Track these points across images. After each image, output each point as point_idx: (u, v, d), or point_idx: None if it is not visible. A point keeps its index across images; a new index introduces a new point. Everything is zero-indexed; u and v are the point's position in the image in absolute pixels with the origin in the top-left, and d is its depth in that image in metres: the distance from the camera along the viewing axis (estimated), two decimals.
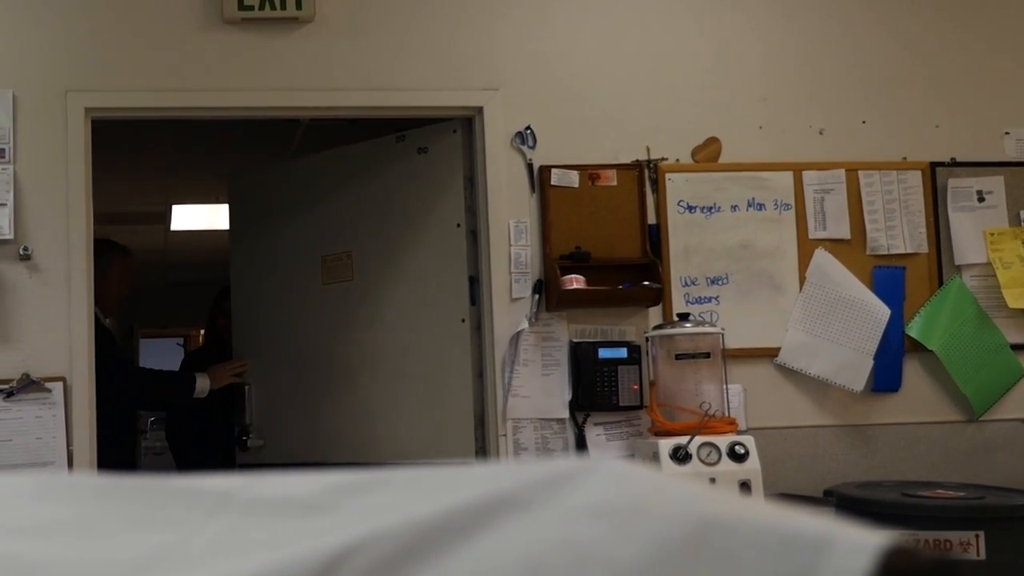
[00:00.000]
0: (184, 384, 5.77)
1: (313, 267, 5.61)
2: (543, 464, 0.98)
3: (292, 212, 5.74)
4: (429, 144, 5.15)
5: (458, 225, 4.99)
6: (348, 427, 5.39)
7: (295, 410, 5.64)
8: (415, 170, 5.20)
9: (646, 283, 4.77)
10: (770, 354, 4.92)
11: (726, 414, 4.51)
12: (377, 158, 5.38)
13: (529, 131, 4.86)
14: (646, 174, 4.91)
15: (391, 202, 5.32)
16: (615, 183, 4.87)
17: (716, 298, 4.91)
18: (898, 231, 5.01)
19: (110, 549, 0.99)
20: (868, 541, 0.82)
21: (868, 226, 5.00)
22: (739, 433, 4.45)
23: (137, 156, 7.38)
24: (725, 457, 4.27)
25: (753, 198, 4.96)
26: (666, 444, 4.31)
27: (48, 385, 4.49)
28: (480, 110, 4.87)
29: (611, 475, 0.93)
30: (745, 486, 4.23)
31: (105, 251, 5.42)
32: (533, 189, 4.84)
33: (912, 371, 5.00)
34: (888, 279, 4.98)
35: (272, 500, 1.01)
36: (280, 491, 1.03)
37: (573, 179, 4.85)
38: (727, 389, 4.60)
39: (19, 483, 1.14)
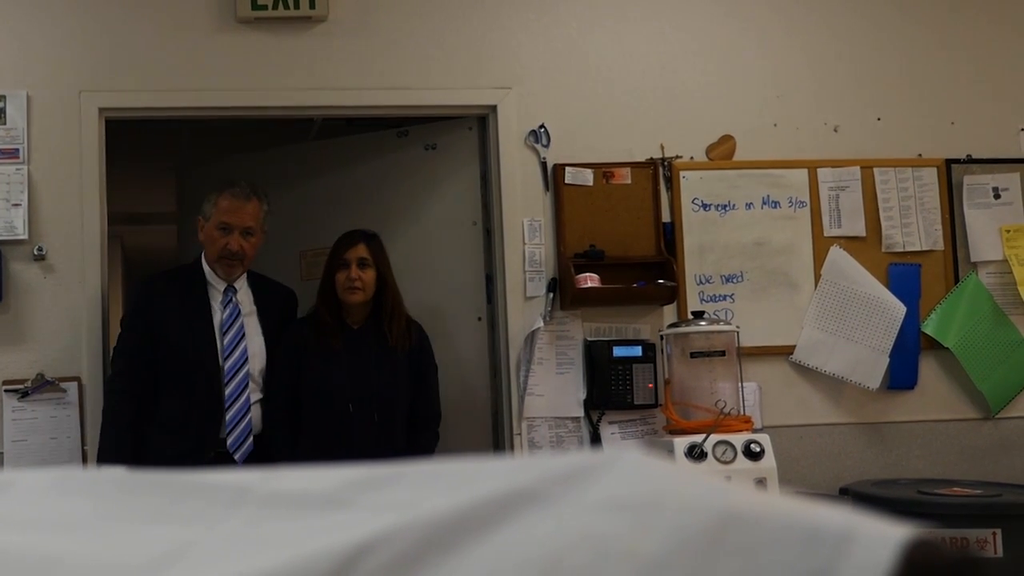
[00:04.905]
0: None
1: (292, 262, 5.33)
2: (562, 458, 0.97)
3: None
4: (438, 140, 5.11)
5: (475, 223, 4.98)
6: None
7: None
8: (427, 166, 5.15)
9: (661, 281, 4.76)
10: (785, 352, 4.91)
11: (741, 412, 4.50)
12: (381, 153, 5.29)
13: (543, 129, 4.85)
14: (660, 172, 4.90)
15: (396, 196, 5.23)
16: (629, 181, 4.87)
17: (731, 296, 4.90)
18: (914, 228, 5.00)
19: (129, 543, 0.99)
20: (890, 535, 0.81)
21: (883, 223, 4.99)
22: (754, 431, 4.44)
23: (150, 155, 7.39)
24: (741, 455, 4.26)
25: (768, 196, 4.95)
26: (681, 442, 4.30)
27: (63, 385, 4.50)
28: (494, 108, 4.87)
29: (630, 468, 0.93)
30: (761, 484, 4.21)
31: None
32: (547, 187, 4.84)
33: (928, 368, 4.99)
34: (904, 276, 4.97)
35: (291, 495, 1.01)
36: (298, 486, 1.02)
37: (587, 177, 4.84)
38: (742, 387, 4.59)
39: (39, 478, 1.14)
